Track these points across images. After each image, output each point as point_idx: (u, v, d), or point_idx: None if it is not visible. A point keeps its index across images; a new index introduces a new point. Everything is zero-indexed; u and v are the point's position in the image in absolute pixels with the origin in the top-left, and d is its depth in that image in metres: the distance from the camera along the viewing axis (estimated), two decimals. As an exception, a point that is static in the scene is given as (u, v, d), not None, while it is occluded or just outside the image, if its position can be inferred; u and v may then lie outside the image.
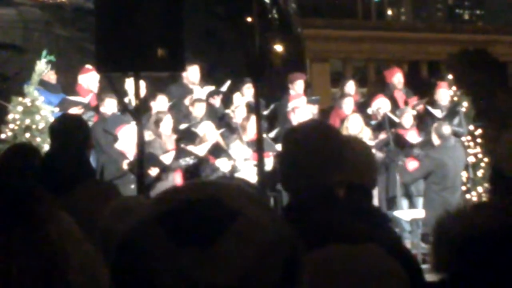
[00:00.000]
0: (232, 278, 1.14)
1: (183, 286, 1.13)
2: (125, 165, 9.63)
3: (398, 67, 16.20)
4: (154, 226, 1.18)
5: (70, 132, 5.32)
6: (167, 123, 10.35)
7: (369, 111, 12.32)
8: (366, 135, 11.32)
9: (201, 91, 11.66)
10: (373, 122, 12.07)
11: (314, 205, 2.70)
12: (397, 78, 13.29)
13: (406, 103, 12.89)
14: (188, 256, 1.14)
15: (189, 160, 10.22)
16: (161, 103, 10.86)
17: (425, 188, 10.63)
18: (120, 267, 1.20)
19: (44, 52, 10.76)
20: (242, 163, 10.65)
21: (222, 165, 10.42)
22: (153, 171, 9.71)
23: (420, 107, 12.77)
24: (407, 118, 11.81)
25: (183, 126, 10.88)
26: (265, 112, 11.74)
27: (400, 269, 1.92)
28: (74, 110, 10.14)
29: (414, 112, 12.20)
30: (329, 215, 2.68)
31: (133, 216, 1.26)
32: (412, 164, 11.32)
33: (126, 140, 9.79)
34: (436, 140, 10.32)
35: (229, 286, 1.14)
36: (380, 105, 12.18)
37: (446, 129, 10.32)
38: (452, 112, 12.02)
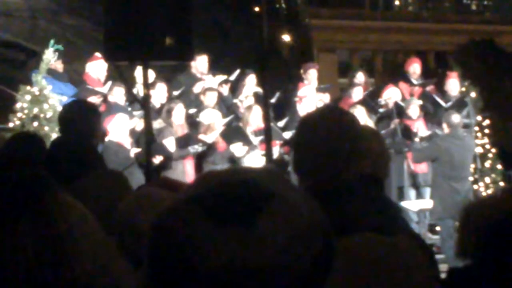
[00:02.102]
0: (270, 258, 1.14)
1: (221, 266, 1.13)
2: (132, 154, 9.63)
3: (404, 57, 16.17)
4: (192, 206, 1.18)
5: (77, 120, 5.29)
6: (179, 112, 10.37)
7: (381, 101, 12.32)
8: (368, 127, 11.31)
9: (212, 80, 11.67)
10: (381, 110, 12.07)
11: (329, 194, 2.67)
12: (413, 68, 13.30)
13: (412, 95, 12.88)
14: (226, 236, 1.14)
15: (198, 147, 10.24)
16: (160, 91, 10.86)
17: (432, 176, 10.63)
18: (157, 247, 1.19)
19: (52, 41, 10.75)
20: (248, 152, 10.65)
21: (236, 150, 10.44)
22: (157, 159, 9.72)
23: (431, 87, 12.77)
24: (414, 109, 11.79)
25: (192, 111, 10.92)
26: (273, 100, 11.77)
27: (428, 261, 1.90)
28: (92, 99, 10.13)
29: (420, 102, 12.16)
30: (343, 205, 2.65)
31: (158, 206, 1.25)
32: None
33: (118, 131, 9.79)
34: (445, 129, 10.31)
35: (266, 266, 1.14)
36: (391, 95, 12.17)
37: (456, 117, 10.31)
38: (459, 103, 11.97)
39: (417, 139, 11.18)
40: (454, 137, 10.19)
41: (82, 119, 5.29)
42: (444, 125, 10.38)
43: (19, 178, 1.61)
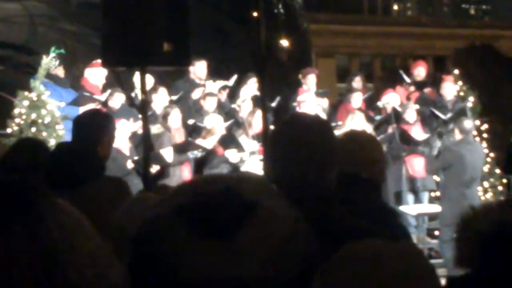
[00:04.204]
0: (252, 270, 1.13)
1: (203, 279, 1.12)
2: (130, 164, 9.62)
3: (403, 62, 16.19)
4: (173, 219, 1.17)
5: (87, 128, 5.31)
6: (176, 116, 10.37)
7: (380, 104, 12.33)
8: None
9: (212, 85, 11.68)
10: (377, 117, 12.06)
11: (322, 201, 2.66)
12: (418, 70, 13.30)
13: (408, 98, 12.87)
14: (208, 249, 1.13)
15: (197, 153, 10.25)
16: (162, 95, 10.87)
17: (443, 182, 10.61)
18: (139, 261, 1.19)
19: (53, 48, 10.76)
20: (248, 157, 10.67)
21: (231, 156, 10.44)
22: (154, 169, 9.71)
23: (429, 90, 12.76)
24: (411, 114, 11.79)
25: (191, 121, 10.91)
26: (273, 104, 11.78)
27: (434, 268, 1.90)
28: (90, 107, 10.10)
29: (417, 107, 12.16)
30: (339, 211, 2.64)
31: (149, 210, 1.25)
32: (417, 161, 11.32)
33: (118, 136, 9.79)
34: (457, 135, 10.26)
35: (249, 279, 1.13)
36: (389, 100, 12.17)
37: (468, 123, 10.30)
38: (459, 113, 11.91)
39: (434, 153, 11.21)
40: (467, 143, 10.16)
41: (90, 127, 5.30)
42: (456, 131, 10.30)
43: (10, 184, 1.60)
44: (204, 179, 1.27)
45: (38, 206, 1.54)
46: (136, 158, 9.66)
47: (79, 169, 4.57)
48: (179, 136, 10.43)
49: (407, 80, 12.99)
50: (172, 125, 10.35)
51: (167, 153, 9.97)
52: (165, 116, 10.35)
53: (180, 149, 10.20)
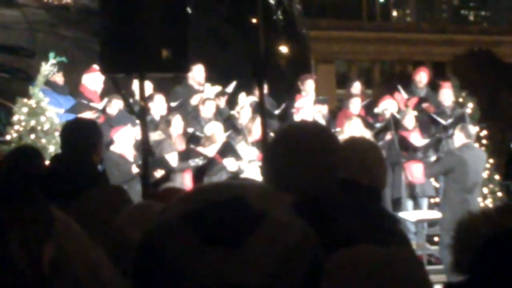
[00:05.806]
0: (260, 278, 1.13)
1: (207, 286, 1.12)
2: (134, 169, 9.60)
3: (402, 68, 16.19)
4: (180, 225, 1.17)
5: (81, 137, 5.30)
6: (177, 123, 10.37)
7: (377, 110, 12.32)
8: (366, 138, 11.29)
9: (210, 90, 11.66)
10: (378, 125, 12.05)
11: (323, 208, 2.64)
12: (420, 76, 13.23)
13: (407, 105, 12.86)
14: (216, 256, 1.13)
15: (198, 161, 10.24)
16: (159, 103, 10.85)
17: (444, 187, 10.59)
18: (144, 266, 1.18)
19: (52, 54, 10.75)
20: (247, 165, 10.66)
21: (229, 164, 10.43)
22: (158, 173, 9.71)
23: (426, 105, 12.72)
24: (409, 120, 11.78)
25: (189, 130, 10.89)
26: (277, 112, 11.77)
27: (427, 274, 1.89)
28: (87, 115, 10.08)
29: (415, 113, 12.15)
30: (339, 218, 2.63)
31: (150, 220, 1.24)
32: (416, 167, 11.31)
33: (123, 142, 9.78)
34: (459, 140, 10.19)
35: (257, 287, 1.12)
36: (387, 106, 12.16)
37: (472, 128, 10.29)
38: (458, 120, 11.90)
39: (433, 158, 11.19)
40: (470, 148, 10.13)
41: (83, 135, 5.29)
42: (462, 135, 10.20)
43: (6, 193, 1.60)
44: (212, 187, 1.26)
45: (31, 214, 1.55)
46: (140, 163, 9.66)
47: (79, 179, 4.58)
48: (180, 143, 10.42)
49: (405, 96, 12.95)
50: (173, 132, 10.35)
51: (172, 158, 9.97)
52: (167, 122, 10.35)
53: (182, 156, 10.19)
